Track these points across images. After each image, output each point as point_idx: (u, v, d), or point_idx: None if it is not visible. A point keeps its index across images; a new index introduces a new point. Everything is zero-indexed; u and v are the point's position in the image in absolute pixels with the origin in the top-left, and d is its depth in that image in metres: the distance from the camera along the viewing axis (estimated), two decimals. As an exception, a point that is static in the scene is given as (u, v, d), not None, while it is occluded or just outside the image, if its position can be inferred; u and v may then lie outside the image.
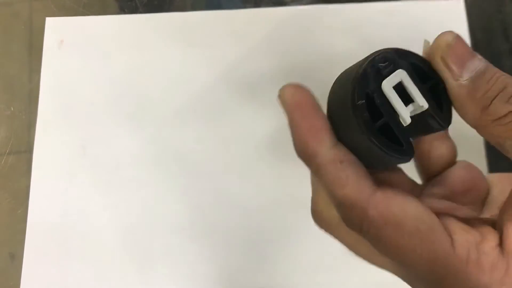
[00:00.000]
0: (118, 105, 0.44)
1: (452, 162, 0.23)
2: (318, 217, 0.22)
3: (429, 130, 0.20)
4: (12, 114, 0.45)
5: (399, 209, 0.18)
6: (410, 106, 0.19)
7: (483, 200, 0.23)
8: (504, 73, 0.19)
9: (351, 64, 0.20)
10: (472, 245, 0.18)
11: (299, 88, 0.20)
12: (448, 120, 0.20)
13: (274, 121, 0.43)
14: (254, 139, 0.43)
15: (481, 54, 0.19)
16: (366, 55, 0.19)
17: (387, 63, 0.19)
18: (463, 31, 0.44)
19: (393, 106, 0.19)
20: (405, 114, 0.19)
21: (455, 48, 0.18)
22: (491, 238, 0.18)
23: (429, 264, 0.18)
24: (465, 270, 0.18)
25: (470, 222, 0.19)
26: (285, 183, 0.41)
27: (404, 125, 0.19)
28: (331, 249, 0.39)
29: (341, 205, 0.19)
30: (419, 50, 0.20)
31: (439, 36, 0.19)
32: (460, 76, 0.18)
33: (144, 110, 0.44)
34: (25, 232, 0.41)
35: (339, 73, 0.21)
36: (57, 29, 0.46)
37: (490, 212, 0.22)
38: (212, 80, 0.44)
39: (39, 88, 0.44)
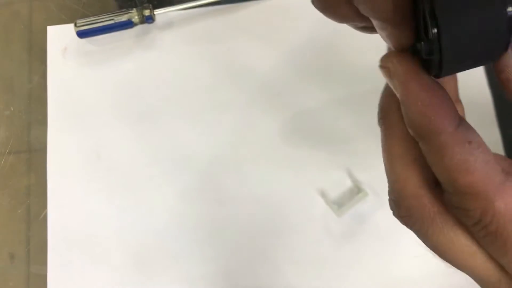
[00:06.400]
0: (127, 108, 0.43)
1: None
2: (407, 205, 0.18)
3: None
4: (11, 114, 0.45)
5: None
6: None
7: None
8: None
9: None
10: None
11: (408, 56, 0.17)
12: None
13: (278, 123, 0.42)
14: (264, 140, 0.42)
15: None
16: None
17: None
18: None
19: None
20: None
21: None
22: None
23: None
24: None
25: None
26: (289, 185, 0.41)
27: None
28: (334, 252, 0.39)
29: (459, 194, 0.16)
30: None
31: None
32: None
33: (154, 112, 0.43)
34: (24, 232, 0.41)
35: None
36: (60, 37, 0.45)
37: None
38: (220, 76, 0.44)
39: (38, 88, 0.44)
